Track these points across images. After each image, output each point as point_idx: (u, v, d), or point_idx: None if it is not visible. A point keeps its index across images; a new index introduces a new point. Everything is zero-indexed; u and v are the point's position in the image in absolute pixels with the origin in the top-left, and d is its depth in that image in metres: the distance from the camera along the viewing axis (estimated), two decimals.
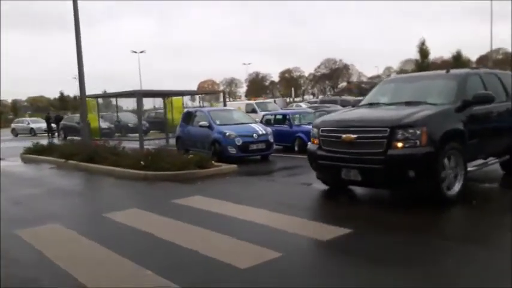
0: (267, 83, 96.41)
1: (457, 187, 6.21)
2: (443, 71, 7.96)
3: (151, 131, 23.03)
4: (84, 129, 13.46)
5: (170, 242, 4.97)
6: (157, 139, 17.46)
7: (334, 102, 26.89)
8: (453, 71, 7.77)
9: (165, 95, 17.35)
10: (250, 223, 5.66)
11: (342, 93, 72.57)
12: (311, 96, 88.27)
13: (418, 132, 5.82)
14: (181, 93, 17.99)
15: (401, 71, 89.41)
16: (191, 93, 22.42)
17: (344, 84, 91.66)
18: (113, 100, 21.55)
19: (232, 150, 11.34)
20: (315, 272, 3.98)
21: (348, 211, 6.28)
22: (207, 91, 32.50)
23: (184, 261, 4.32)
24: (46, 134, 30.42)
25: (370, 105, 7.66)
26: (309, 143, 7.45)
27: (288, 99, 64.10)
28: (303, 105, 35.11)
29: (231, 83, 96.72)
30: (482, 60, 66.68)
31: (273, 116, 14.91)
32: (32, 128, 34.31)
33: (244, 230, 5.32)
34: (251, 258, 4.23)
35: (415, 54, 33.92)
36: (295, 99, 73.12)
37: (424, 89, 7.46)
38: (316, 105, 26.18)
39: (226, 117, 12.80)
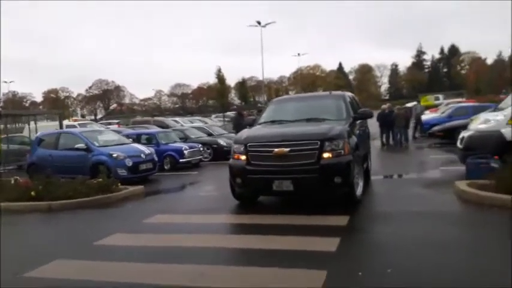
0: (27, 104, 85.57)
1: (360, 189, 7.29)
2: (327, 92, 10.06)
3: None
4: None
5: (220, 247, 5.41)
6: None
7: (147, 122, 27.21)
8: (334, 92, 9.64)
9: None
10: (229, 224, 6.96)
11: (111, 115, 71.48)
12: (80, 117, 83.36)
13: (342, 143, 6.70)
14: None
15: (172, 94, 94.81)
16: (23, 114, 19.00)
17: (115, 105, 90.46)
18: None
19: (122, 172, 10.93)
20: None
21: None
22: (41, 111, 27.21)
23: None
24: None
25: (273, 122, 8.16)
26: (231, 159, 7.49)
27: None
28: (96, 126, 33.48)
29: None
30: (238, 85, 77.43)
31: (136, 136, 14.61)
32: None
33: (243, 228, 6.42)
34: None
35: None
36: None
37: (317, 107, 8.44)
38: (133, 125, 25.81)
39: (101, 138, 12.10)
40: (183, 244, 5.64)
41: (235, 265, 4.76)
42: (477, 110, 17.97)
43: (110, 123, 33.45)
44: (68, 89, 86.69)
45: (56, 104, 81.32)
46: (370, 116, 8.95)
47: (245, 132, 7.82)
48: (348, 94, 9.49)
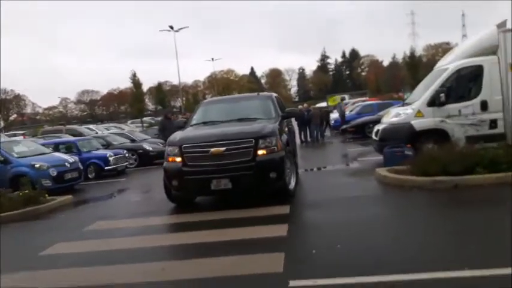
0: None
1: (293, 182, 7.58)
2: (256, 94, 10.45)
3: None
4: None
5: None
6: None
7: (59, 131, 25.65)
8: (262, 94, 10.14)
9: None
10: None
11: (12, 126, 65.76)
12: None
13: (274, 140, 6.97)
14: None
15: (79, 101, 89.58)
16: None
17: (15, 116, 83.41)
18: None
19: (46, 183, 10.33)
20: None
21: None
22: None
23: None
24: None
25: (205, 123, 8.27)
26: (165, 162, 7.39)
27: None
28: (3, 137, 30.68)
29: None
30: (152, 90, 75.55)
31: (54, 145, 13.74)
32: None
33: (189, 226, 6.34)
34: None
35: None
36: None
37: (247, 107, 8.75)
38: (43, 135, 24.01)
39: (18, 149, 11.30)
40: (132, 246, 5.67)
41: (194, 258, 4.92)
42: (381, 107, 19.90)
43: (15, 135, 30.82)
44: None
45: None
46: (298, 114, 9.54)
47: (178, 134, 7.74)
48: (274, 95, 9.85)
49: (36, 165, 10.49)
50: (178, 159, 7.08)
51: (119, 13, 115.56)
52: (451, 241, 4.60)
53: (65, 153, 13.08)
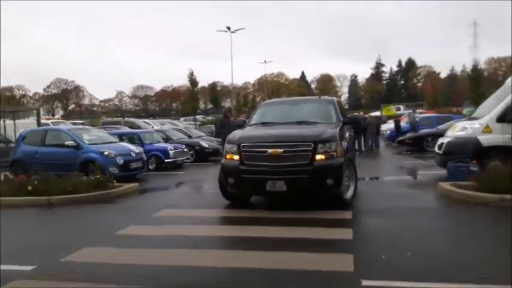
0: None
1: (350, 191, 7.37)
2: (316, 97, 10.52)
3: None
4: None
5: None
6: None
7: (118, 123, 26.91)
8: (323, 97, 10.06)
9: None
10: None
11: (71, 115, 69.33)
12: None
13: (334, 146, 6.87)
14: None
15: (133, 96, 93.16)
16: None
17: (73, 105, 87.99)
18: None
19: (113, 170, 10.97)
20: None
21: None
22: (19, 108, 26.36)
23: None
24: None
25: (264, 124, 8.21)
26: (223, 159, 7.54)
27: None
28: (69, 124, 32.49)
29: None
30: (203, 89, 77.07)
31: (118, 135, 14.54)
32: None
33: (255, 220, 6.42)
34: None
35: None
36: None
37: (307, 111, 8.60)
38: (103, 126, 25.31)
39: (88, 136, 12.08)
40: (201, 233, 5.96)
41: (263, 250, 5.09)
42: (441, 120, 19.33)
43: (75, 123, 32.65)
44: (24, 87, 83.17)
45: (11, 103, 77.75)
46: (358, 122, 9.51)
47: (238, 133, 7.77)
48: (336, 99, 9.68)
49: (105, 153, 11.15)
50: (236, 157, 7.13)
51: (175, 12, 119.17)
52: None
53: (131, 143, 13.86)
